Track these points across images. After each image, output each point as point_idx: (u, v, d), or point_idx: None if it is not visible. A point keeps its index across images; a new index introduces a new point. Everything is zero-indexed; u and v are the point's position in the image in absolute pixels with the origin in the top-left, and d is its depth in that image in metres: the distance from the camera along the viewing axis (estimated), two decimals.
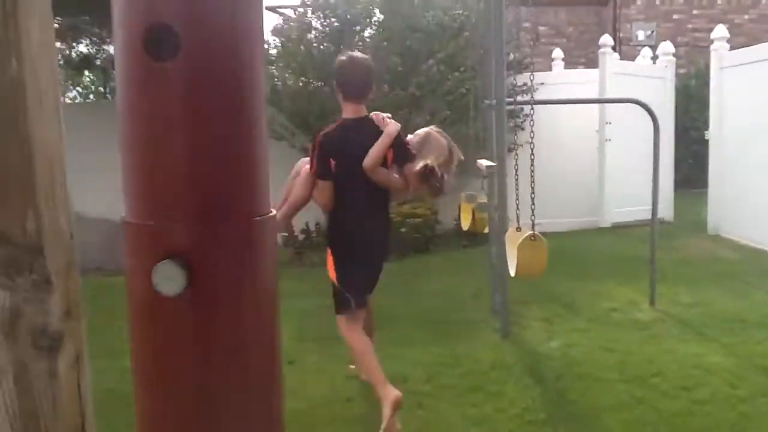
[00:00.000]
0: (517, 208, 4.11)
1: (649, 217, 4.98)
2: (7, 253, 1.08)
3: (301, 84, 7.38)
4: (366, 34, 7.57)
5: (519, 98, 5.58)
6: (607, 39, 8.07)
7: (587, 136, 7.91)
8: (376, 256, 3.25)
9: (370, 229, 3.17)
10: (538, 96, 4.76)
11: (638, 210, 7.56)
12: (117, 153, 1.33)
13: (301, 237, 6.74)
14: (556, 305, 4.81)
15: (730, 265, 5.93)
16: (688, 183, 9.44)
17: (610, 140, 7.80)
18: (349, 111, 3.12)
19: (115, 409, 3.29)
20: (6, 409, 1.11)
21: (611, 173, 7.87)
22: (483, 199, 4.64)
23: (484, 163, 4.44)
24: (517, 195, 4.25)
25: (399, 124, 3.13)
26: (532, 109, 3.99)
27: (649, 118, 4.67)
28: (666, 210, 7.94)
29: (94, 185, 9.10)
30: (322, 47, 7.34)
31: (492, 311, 4.65)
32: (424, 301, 5.12)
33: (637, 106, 4.84)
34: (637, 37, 12.30)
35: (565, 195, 7.85)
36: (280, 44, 7.71)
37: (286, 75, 7.51)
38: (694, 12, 12.50)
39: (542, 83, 7.38)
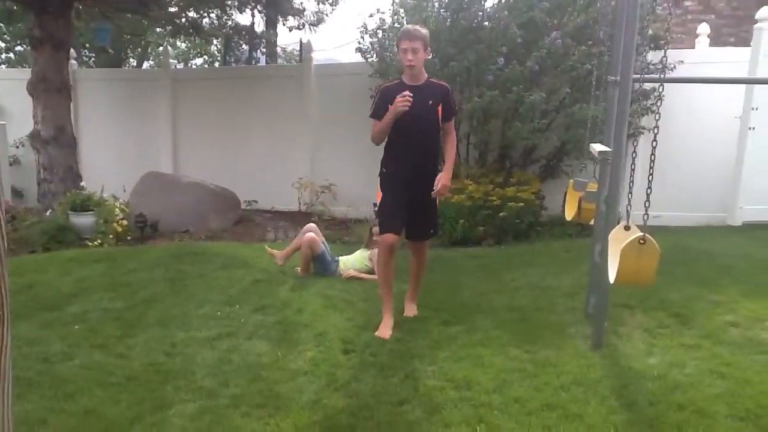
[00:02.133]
0: (629, 203, 3.61)
1: None
2: None
3: None
4: (488, 3, 7.09)
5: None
6: (765, 12, 7.02)
7: (727, 122, 7.06)
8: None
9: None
10: (676, 76, 4.21)
11: None
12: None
13: None
14: (664, 314, 4.20)
15: None
16: None
17: (753, 128, 6.91)
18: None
19: (151, 384, 3.09)
20: None
21: (751, 165, 7.01)
22: (593, 188, 4.18)
23: (597, 147, 3.99)
24: (630, 187, 3.76)
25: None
26: (662, 87, 3.41)
27: None
28: None
29: (194, 147, 9.38)
30: (440, 15, 6.95)
31: (586, 315, 4.18)
32: (511, 295, 4.67)
33: None
34: None
35: (693, 186, 7.18)
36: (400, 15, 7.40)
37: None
38: None
39: (681, 61, 6.73)
